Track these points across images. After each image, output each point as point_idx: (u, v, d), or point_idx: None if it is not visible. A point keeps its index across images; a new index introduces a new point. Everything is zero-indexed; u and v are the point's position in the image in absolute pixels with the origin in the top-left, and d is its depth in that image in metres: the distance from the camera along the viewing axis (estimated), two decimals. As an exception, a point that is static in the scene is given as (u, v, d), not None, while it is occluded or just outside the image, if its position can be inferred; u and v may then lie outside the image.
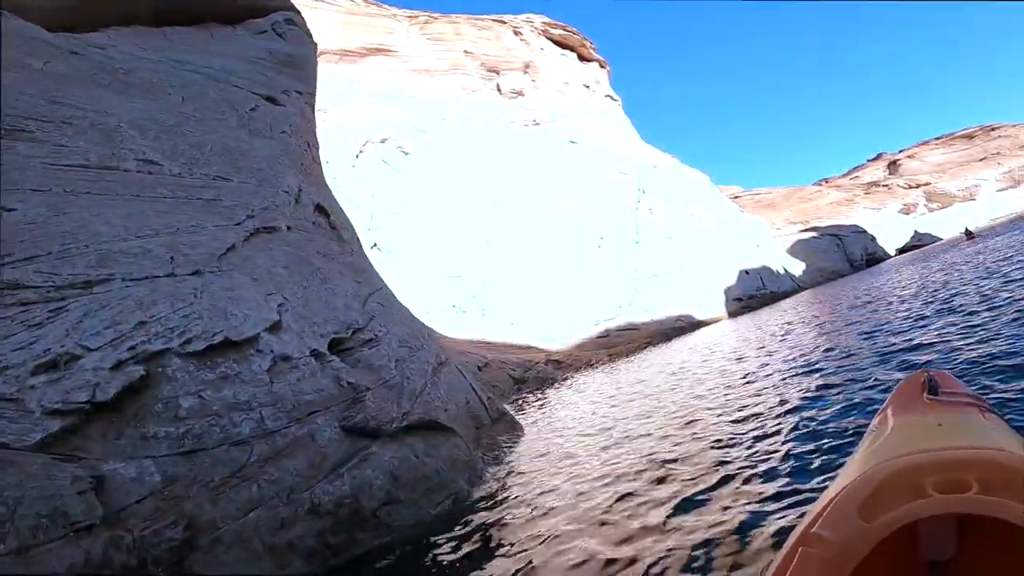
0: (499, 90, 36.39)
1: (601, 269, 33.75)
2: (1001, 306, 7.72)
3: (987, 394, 4.05)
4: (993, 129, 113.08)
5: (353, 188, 27.47)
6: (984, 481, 1.44)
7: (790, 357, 9.22)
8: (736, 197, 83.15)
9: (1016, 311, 6.98)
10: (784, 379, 7.35)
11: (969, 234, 44.42)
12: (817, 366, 7.52)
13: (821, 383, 6.32)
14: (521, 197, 32.79)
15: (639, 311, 33.98)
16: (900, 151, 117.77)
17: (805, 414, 5.15)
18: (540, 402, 14.41)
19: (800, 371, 7.53)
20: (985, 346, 5.76)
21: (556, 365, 25.06)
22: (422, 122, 32.03)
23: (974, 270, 15.40)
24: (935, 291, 12.64)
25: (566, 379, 22.70)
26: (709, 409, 6.74)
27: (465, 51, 35.45)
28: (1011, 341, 5.64)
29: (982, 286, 10.72)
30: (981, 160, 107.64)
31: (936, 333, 7.27)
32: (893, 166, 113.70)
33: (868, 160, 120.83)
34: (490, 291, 28.78)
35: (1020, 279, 10.04)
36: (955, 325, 7.41)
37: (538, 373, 23.11)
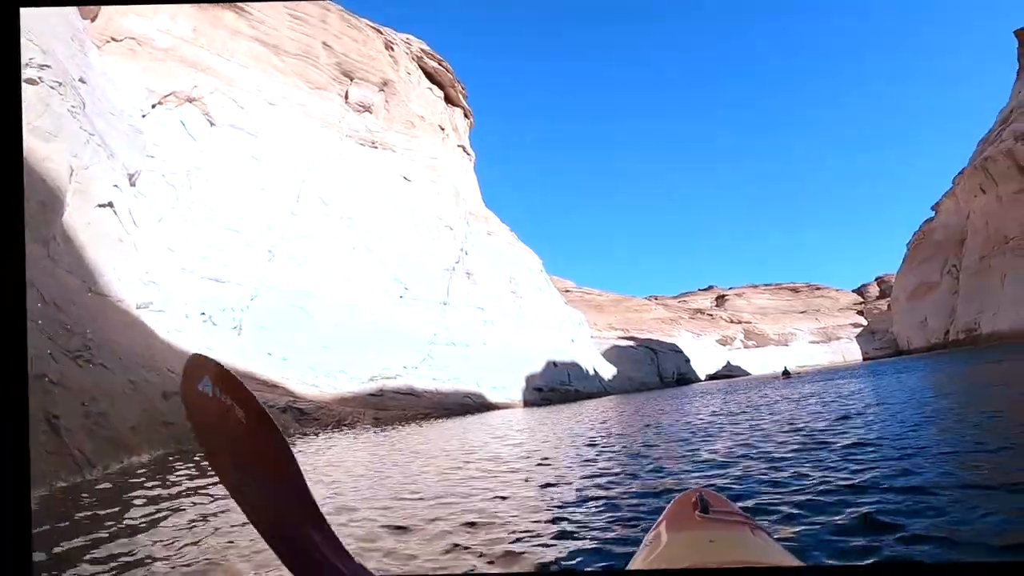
0: (346, 98, 32.56)
1: (396, 321, 30.47)
2: (791, 442, 8.17)
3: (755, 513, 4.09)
4: (818, 289, 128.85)
5: (125, 141, 22.40)
6: None
7: (571, 464, 8.65)
8: (567, 291, 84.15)
9: (803, 447, 7.58)
10: (553, 492, 6.56)
11: (786, 373, 47.34)
12: (597, 476, 7.07)
13: (597, 495, 5.91)
14: (328, 217, 28.95)
15: (425, 377, 30.86)
16: (730, 288, 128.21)
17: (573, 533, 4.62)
18: (171, 475, 9.93)
19: (577, 482, 6.96)
20: (763, 473, 6.06)
21: (298, 415, 21.06)
22: (245, 97, 27.53)
23: (775, 408, 15.28)
24: (737, 418, 13.24)
25: (301, 436, 18.80)
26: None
27: (324, 43, 31.43)
28: (789, 471, 5.99)
29: (777, 421, 11.48)
30: (801, 313, 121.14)
31: (722, 458, 7.53)
32: (721, 300, 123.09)
33: (700, 289, 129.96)
34: (255, 310, 24.47)
35: (813, 423, 10.53)
36: (744, 454, 7.69)
37: (260, 423, 18.99)
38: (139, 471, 10.06)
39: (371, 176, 32.01)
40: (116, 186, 20.27)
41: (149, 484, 8.46)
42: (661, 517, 2.27)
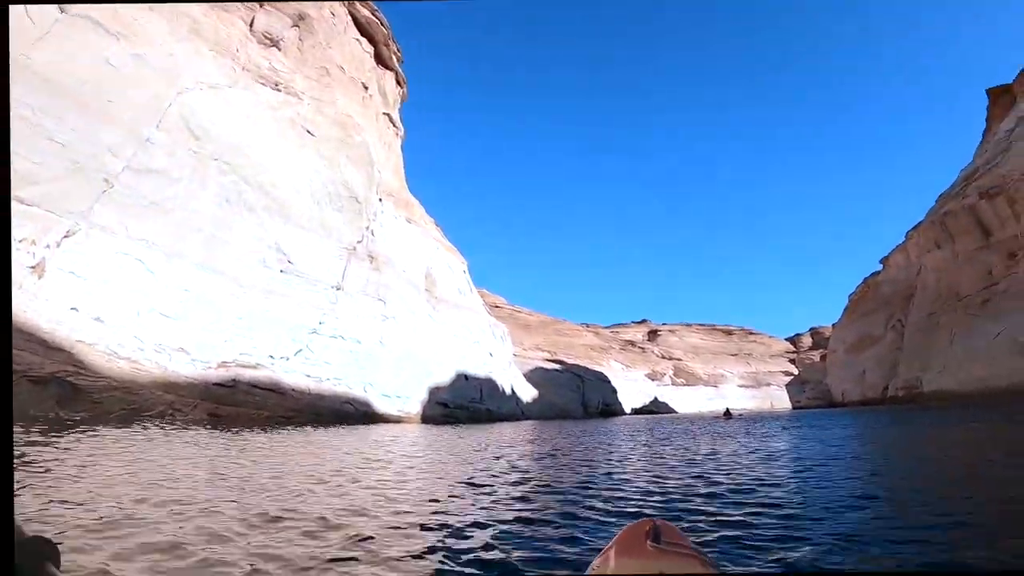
0: (251, 26, 27.15)
1: (270, 299, 25.14)
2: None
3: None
4: (751, 334, 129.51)
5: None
6: None
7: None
8: (496, 307, 79.91)
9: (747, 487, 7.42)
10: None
11: (728, 414, 48.03)
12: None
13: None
14: (196, 156, 23.44)
15: (297, 372, 25.55)
16: (663, 324, 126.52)
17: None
18: None
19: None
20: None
21: (69, 392, 15.45)
22: (114, -9, 21.90)
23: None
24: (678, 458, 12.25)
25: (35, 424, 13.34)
26: None
27: (232, -45, 26.16)
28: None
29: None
30: (733, 355, 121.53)
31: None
32: (653, 335, 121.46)
33: (633, 322, 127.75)
34: (69, 250, 18.85)
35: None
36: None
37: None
38: None
39: (264, 121, 26.63)
40: None
41: None
42: (611, 543, 1.99)
